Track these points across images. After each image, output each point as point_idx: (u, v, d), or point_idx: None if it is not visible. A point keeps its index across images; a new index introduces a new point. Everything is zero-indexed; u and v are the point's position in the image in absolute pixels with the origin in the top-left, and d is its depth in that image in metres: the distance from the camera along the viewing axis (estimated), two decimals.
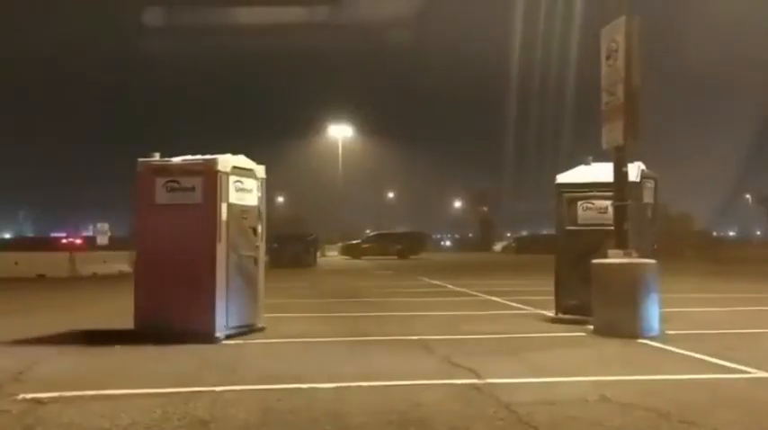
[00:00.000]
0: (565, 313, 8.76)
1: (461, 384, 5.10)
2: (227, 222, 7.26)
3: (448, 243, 74.79)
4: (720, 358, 5.97)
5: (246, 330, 7.56)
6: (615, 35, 7.54)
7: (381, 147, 62.24)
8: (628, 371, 5.50)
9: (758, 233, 70.84)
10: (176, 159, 7.52)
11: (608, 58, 7.69)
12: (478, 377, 5.30)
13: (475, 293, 13.36)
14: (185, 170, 7.33)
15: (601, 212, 8.54)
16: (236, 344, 7.12)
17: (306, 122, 64.56)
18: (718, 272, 21.00)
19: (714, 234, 57.65)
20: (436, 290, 14.90)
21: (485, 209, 71.17)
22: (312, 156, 57.34)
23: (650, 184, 8.79)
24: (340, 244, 42.25)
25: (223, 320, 7.17)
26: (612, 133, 7.76)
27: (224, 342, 7.07)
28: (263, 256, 8.01)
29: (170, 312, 7.13)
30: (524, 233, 64.22)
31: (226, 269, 7.21)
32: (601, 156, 8.53)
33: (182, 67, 61.95)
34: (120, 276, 21.21)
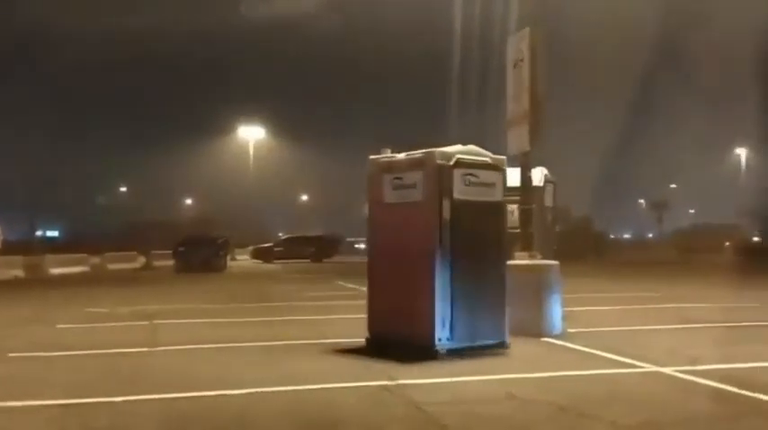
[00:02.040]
0: None
1: (374, 386, 5.13)
2: (452, 221, 6.40)
3: (362, 246, 75.02)
4: (617, 354, 6.31)
5: None
6: (520, 45, 7.85)
7: (295, 149, 61.70)
8: (533, 369, 5.71)
9: (650, 235, 75.57)
10: (402, 155, 6.87)
11: (514, 66, 7.99)
12: (391, 378, 5.34)
13: None
14: (408, 166, 6.66)
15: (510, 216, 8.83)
16: (139, 351, 6.85)
17: (216, 122, 63.09)
18: (615, 272, 22.24)
19: (611, 236, 61.14)
20: (350, 293, 14.89)
21: None
22: (223, 157, 56.02)
23: (550, 188, 9.19)
24: (251, 247, 41.45)
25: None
26: (518, 139, 8.07)
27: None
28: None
29: (397, 320, 6.60)
30: None
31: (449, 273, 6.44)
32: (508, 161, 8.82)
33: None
34: (17, 283, 19.90)
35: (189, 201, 70.65)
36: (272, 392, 4.97)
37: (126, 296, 14.29)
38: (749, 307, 10.66)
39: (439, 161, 6.34)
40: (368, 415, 4.42)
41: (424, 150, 6.58)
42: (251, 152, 50.58)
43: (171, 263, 28.08)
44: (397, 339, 6.41)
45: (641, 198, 75.99)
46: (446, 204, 6.29)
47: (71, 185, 66.31)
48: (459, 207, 6.34)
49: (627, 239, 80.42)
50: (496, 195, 6.65)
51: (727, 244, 45.62)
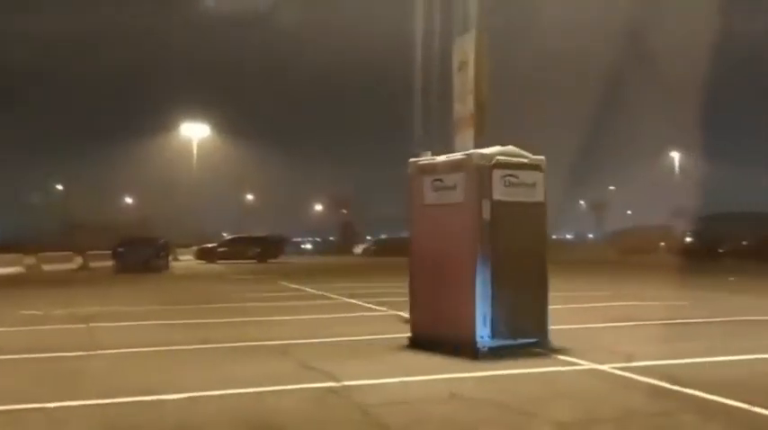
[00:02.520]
0: None
1: (318, 388, 5.08)
2: (492, 222, 6.42)
3: (309, 246, 74.65)
4: (559, 352, 6.45)
5: None
6: (466, 48, 7.93)
7: (240, 148, 60.84)
8: (476, 369, 5.76)
9: (590, 236, 77.87)
10: (442, 157, 6.86)
11: (459, 69, 8.06)
12: (335, 380, 5.31)
13: (334, 296, 13.42)
14: (448, 167, 6.65)
15: None
16: (75, 355, 6.60)
17: (158, 119, 61.49)
18: (557, 272, 22.77)
19: (554, 237, 62.66)
20: (295, 294, 14.79)
21: (345, 212, 71.99)
22: (165, 155, 54.71)
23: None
24: (195, 248, 40.62)
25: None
26: (464, 142, 8.14)
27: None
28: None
29: (439, 320, 6.63)
30: (384, 236, 65.72)
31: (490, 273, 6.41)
32: None
33: None
34: None
35: (129, 201, 68.75)
36: (213, 396, 4.86)
37: (62, 298, 13.76)
38: (683, 305, 11.09)
39: (479, 162, 6.45)
40: (310, 417, 4.38)
41: (464, 152, 6.76)
42: (194, 150, 49.60)
43: (109, 264, 27.27)
44: (441, 339, 6.50)
45: (582, 199, 78.28)
46: (486, 205, 6.38)
47: (3, 184, 63.56)
48: (499, 208, 6.41)
49: (568, 240, 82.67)
50: (537, 196, 6.74)
51: (662, 244, 47.39)
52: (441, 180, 6.69)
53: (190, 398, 4.81)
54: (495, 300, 6.34)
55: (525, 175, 6.65)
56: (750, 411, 4.33)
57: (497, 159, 6.51)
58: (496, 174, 6.46)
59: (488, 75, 8.09)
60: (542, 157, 6.91)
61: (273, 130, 77.22)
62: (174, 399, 4.76)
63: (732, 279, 17.74)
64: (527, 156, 6.78)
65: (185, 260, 39.10)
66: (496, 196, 6.43)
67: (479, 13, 8.02)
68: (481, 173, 6.38)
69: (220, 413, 4.50)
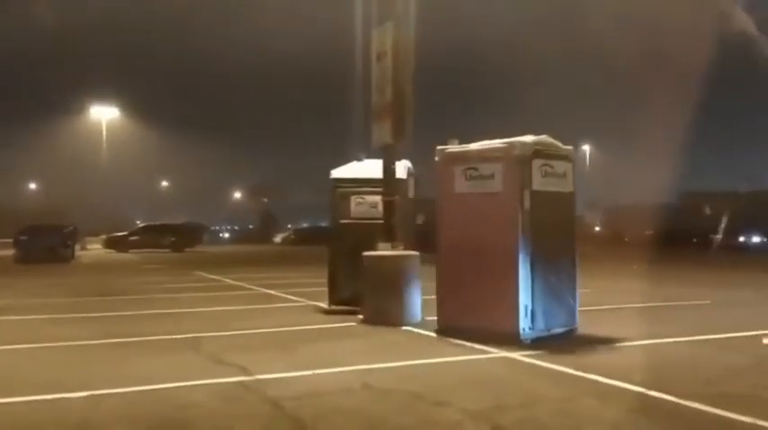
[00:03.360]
0: (338, 304, 9.03)
1: (229, 382, 4.97)
2: (531, 212, 6.32)
3: (227, 235, 73.04)
4: (469, 340, 6.55)
5: None
6: (384, 38, 7.92)
7: (154, 132, 58.54)
8: (391, 358, 5.81)
9: None
10: (474, 145, 6.54)
11: (378, 59, 8.05)
12: (247, 374, 5.21)
13: (252, 287, 13.19)
14: (485, 156, 6.38)
15: (372, 207, 8.95)
16: None
17: (64, 101, 58.27)
18: None
19: None
20: (211, 284, 14.42)
21: (265, 200, 70.84)
22: (72, 139, 51.86)
23: (412, 181, 9.42)
24: (105, 236, 38.86)
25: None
26: (381, 132, 8.16)
27: None
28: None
29: (473, 311, 6.42)
30: (305, 224, 65.21)
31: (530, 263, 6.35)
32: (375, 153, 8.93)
33: None
34: None
35: (33, 186, 64.91)
36: (118, 394, 4.66)
37: None
38: (589, 292, 11.58)
39: (519, 152, 6.38)
40: (220, 413, 4.27)
41: (503, 140, 6.59)
42: (104, 134, 47.29)
43: (10, 253, 25.64)
44: (476, 330, 6.38)
45: None
46: (527, 195, 6.36)
47: None
48: (536, 197, 6.44)
49: None
50: (568, 186, 6.78)
51: None
52: (475, 169, 6.58)
53: (93, 396, 4.59)
54: (535, 290, 6.40)
55: (559, 165, 6.68)
56: (646, 394, 4.57)
57: (536, 149, 6.53)
58: (535, 164, 6.48)
59: (409, 65, 8.12)
60: (571, 148, 7.00)
61: (191, 116, 74.93)
62: (76, 397, 4.54)
63: (636, 267, 18.75)
64: (559, 147, 6.84)
65: (94, 249, 37.32)
66: (535, 186, 6.47)
67: (400, 3, 8.01)
68: (522, 162, 6.39)
69: (125, 411, 4.32)
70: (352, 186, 9.12)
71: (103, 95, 47.97)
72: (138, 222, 46.33)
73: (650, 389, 4.62)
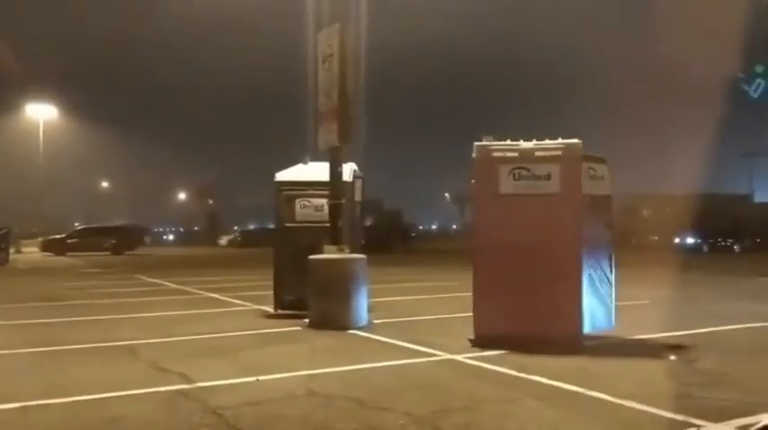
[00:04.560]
0: (283, 308, 8.92)
1: (168, 391, 4.82)
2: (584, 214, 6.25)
3: (171, 237, 71.36)
4: (416, 343, 6.61)
5: None
6: (330, 40, 7.87)
7: (93, 132, 56.71)
8: (336, 363, 5.76)
9: (454, 227, 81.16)
10: (526, 143, 6.20)
11: (324, 62, 7.99)
12: (188, 381, 5.07)
13: (195, 291, 12.89)
14: (539, 156, 6.08)
15: (317, 210, 8.87)
16: None
17: None
18: (420, 262, 23.48)
19: (420, 227, 64.68)
20: (153, 289, 14.02)
21: (211, 201, 69.47)
22: (6, 138, 49.65)
23: (359, 184, 9.39)
24: (41, 239, 37.36)
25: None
26: (328, 134, 8.10)
27: None
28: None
29: (523, 316, 6.07)
30: (251, 226, 64.32)
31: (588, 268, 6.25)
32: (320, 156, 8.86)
33: None
34: None
35: None
36: (49, 405, 4.46)
37: None
38: None
39: (577, 153, 6.25)
40: (156, 423, 4.13)
41: (560, 141, 6.38)
42: (41, 133, 45.48)
43: None
44: (525, 335, 6.12)
45: (446, 192, 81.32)
46: (585, 197, 6.31)
47: None
48: (586, 200, 6.39)
49: (434, 230, 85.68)
50: (606, 188, 6.71)
51: None
52: (528, 169, 6.29)
53: (22, 408, 4.37)
54: (589, 293, 6.34)
55: (600, 168, 6.64)
56: (585, 394, 4.67)
57: (583, 151, 6.43)
58: (584, 165, 6.40)
59: (354, 67, 8.09)
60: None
61: (133, 117, 72.95)
62: (3, 410, 4.31)
63: None
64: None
65: (30, 252, 35.85)
66: (585, 188, 6.41)
67: (346, 4, 7.97)
68: (579, 164, 6.28)
69: (56, 424, 4.13)
70: (297, 189, 9.03)
71: (40, 94, 46.16)
72: (77, 224, 44.76)
73: (590, 389, 4.72)
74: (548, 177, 6.28)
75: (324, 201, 8.61)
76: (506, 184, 6.36)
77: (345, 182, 8.58)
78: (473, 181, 6.58)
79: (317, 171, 8.77)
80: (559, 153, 6.31)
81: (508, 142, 6.51)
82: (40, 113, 45.98)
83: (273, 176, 9.23)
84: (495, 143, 6.49)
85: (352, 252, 8.18)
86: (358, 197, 9.37)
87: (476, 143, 6.50)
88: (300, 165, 9.24)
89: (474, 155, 6.49)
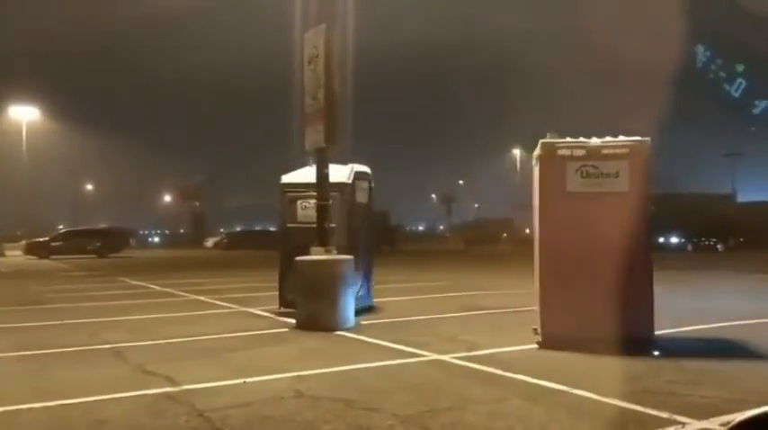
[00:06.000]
0: (287, 307, 9.00)
1: (154, 394, 4.79)
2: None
3: (156, 239, 70.82)
4: (404, 344, 6.62)
5: None
6: (316, 42, 7.86)
7: (78, 134, 56.21)
8: (323, 364, 5.74)
9: (441, 227, 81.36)
10: (593, 140, 6.05)
11: (309, 63, 7.98)
12: (174, 384, 5.04)
13: (181, 293, 12.81)
14: (607, 153, 5.97)
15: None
16: None
17: None
18: (407, 263, 23.50)
19: (408, 228, 64.77)
20: (138, 291, 13.91)
21: (196, 203, 69.07)
22: None
23: (364, 185, 9.49)
24: (25, 242, 36.95)
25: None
26: (314, 135, 8.10)
27: None
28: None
29: (595, 317, 5.93)
30: (237, 229, 64.03)
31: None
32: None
33: None
34: None
35: None
36: (32, 409, 4.41)
37: None
38: (522, 293, 11.86)
39: (644, 150, 6.10)
40: (142, 427, 4.10)
41: (628, 138, 6.18)
42: (24, 135, 45.01)
43: None
44: (598, 337, 5.92)
45: (433, 193, 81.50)
46: (652, 195, 6.28)
47: None
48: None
49: (421, 231, 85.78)
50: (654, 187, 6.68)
51: (505, 235, 50.64)
52: (595, 166, 6.11)
53: (6, 412, 4.33)
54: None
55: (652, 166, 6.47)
56: (570, 392, 4.70)
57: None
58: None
59: (340, 68, 8.09)
60: None
61: (118, 119, 72.33)
62: None
63: None
64: None
65: (14, 256, 35.46)
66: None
67: (333, 5, 7.98)
68: (647, 160, 6.12)
69: (41, 427, 4.09)
70: (300, 191, 9.21)
71: (23, 96, 45.70)
72: (61, 227, 44.32)
73: (574, 388, 4.75)
74: (616, 175, 6.12)
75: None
76: (573, 182, 6.19)
77: (344, 183, 8.69)
78: (538, 179, 6.42)
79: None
80: (627, 150, 6.13)
81: (572, 139, 6.36)
82: (23, 115, 45.52)
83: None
84: (560, 140, 6.33)
85: (355, 254, 8.23)
86: (363, 199, 9.46)
87: (541, 140, 6.35)
88: (307, 168, 9.36)
89: (539, 152, 6.35)
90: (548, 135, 6.36)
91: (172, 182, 73.78)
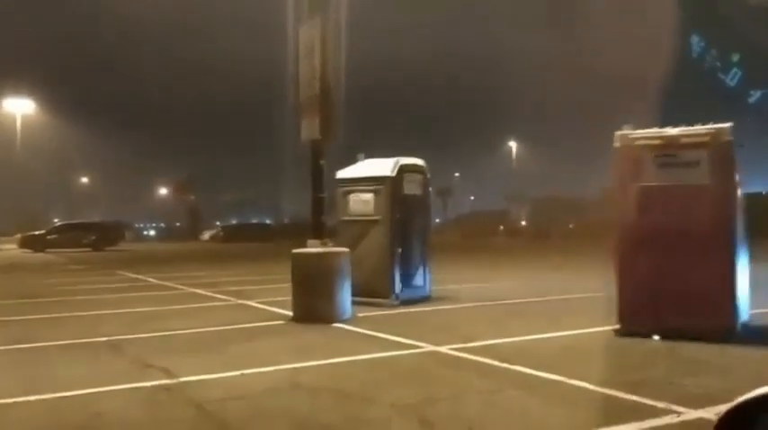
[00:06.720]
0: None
1: (151, 386, 4.79)
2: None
3: (152, 232, 70.72)
4: (401, 336, 6.62)
5: None
6: (312, 34, 7.82)
7: (72, 127, 55.98)
8: (320, 356, 5.75)
9: (437, 220, 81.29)
10: (674, 130, 5.97)
11: (306, 55, 7.95)
12: (171, 376, 5.04)
13: (177, 286, 12.80)
14: (686, 142, 5.86)
15: (364, 204, 9.35)
16: None
17: None
18: None
19: None
20: (135, 284, 13.90)
21: (192, 197, 68.95)
22: None
23: (416, 178, 9.62)
24: (20, 235, 36.87)
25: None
26: (310, 127, 8.07)
27: None
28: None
29: (672, 308, 5.98)
30: (233, 222, 64.00)
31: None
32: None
33: None
34: None
35: None
36: (28, 402, 4.40)
37: None
38: (519, 284, 11.90)
39: (725, 137, 5.91)
40: (139, 419, 4.10)
41: (708, 126, 6.00)
42: (18, 128, 44.80)
43: None
44: (680, 328, 5.87)
45: (429, 186, 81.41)
46: (733, 183, 6.00)
47: None
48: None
49: None
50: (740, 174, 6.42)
51: (501, 227, 50.74)
52: (674, 156, 6.00)
53: (2, 405, 4.32)
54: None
55: None
56: (566, 383, 4.72)
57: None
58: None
59: (336, 61, 8.06)
60: None
61: (113, 112, 71.96)
62: None
63: (559, 259, 19.40)
64: None
65: (9, 249, 35.39)
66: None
67: None
68: (728, 148, 5.92)
69: (36, 421, 4.09)
70: (350, 185, 9.54)
71: (17, 88, 45.45)
72: (56, 220, 44.22)
73: (570, 378, 4.77)
74: (696, 164, 5.98)
75: (369, 196, 9.18)
76: (652, 173, 6.11)
77: (388, 176, 9.07)
78: (615, 170, 6.37)
79: (368, 167, 9.42)
80: (708, 139, 5.94)
81: (650, 130, 6.28)
82: (18, 108, 45.31)
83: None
84: (637, 131, 6.25)
85: (398, 245, 8.64)
86: (414, 191, 9.59)
87: (617, 132, 6.27)
88: (359, 163, 9.73)
89: (616, 144, 6.27)
90: (623, 127, 6.30)
91: (167, 175, 73.62)
